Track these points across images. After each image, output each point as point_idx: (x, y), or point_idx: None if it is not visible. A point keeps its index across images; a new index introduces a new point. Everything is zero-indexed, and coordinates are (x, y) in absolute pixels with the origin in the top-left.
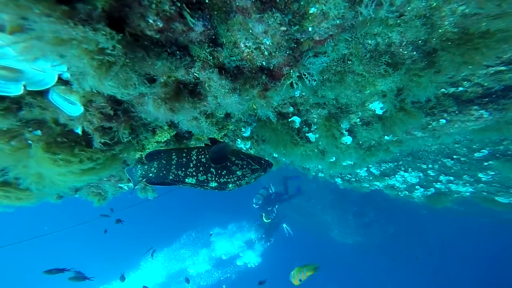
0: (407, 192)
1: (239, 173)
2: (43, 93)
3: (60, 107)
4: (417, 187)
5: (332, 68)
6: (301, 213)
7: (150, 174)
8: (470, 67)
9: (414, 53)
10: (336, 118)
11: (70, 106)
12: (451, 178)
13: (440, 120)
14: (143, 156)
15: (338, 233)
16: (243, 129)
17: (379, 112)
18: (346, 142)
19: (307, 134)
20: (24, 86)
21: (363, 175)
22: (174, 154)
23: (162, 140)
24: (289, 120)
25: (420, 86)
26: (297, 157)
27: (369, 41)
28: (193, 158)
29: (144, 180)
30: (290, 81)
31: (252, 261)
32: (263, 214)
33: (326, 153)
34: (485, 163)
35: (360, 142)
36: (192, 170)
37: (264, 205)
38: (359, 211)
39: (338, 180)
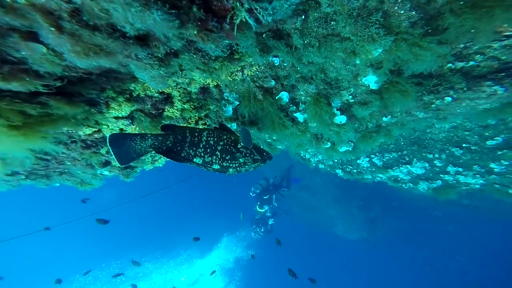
0: (411, 184)
1: (241, 160)
2: None
3: None
4: (422, 178)
5: (314, 30)
6: (305, 207)
7: (164, 147)
8: (484, 35)
9: (413, 13)
10: (326, 95)
11: None
12: (460, 169)
13: (446, 98)
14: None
15: (342, 228)
16: (224, 108)
17: (373, 86)
18: (341, 122)
19: (294, 114)
20: None
21: (365, 166)
22: (188, 132)
23: (121, 115)
24: (277, 97)
25: (419, 57)
26: (285, 139)
27: None
28: (203, 139)
29: (154, 151)
30: (239, 19)
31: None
32: (258, 203)
33: (320, 137)
34: (499, 152)
35: (356, 125)
36: (201, 151)
37: (261, 194)
38: (364, 205)
39: (339, 172)
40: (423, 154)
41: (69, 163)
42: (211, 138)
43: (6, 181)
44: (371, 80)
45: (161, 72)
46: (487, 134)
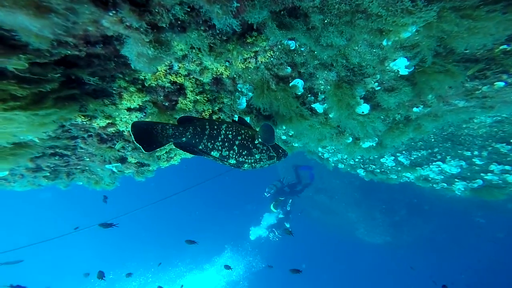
0: (445, 185)
1: (257, 156)
2: None
3: None
4: (458, 177)
5: (335, 7)
6: (324, 210)
7: (183, 138)
8: None
9: None
10: (348, 83)
11: None
12: (507, 167)
13: (496, 83)
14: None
15: (364, 231)
16: (237, 101)
17: (403, 72)
18: (363, 112)
19: (313, 105)
20: None
21: (389, 165)
22: (207, 124)
23: (133, 107)
24: (291, 84)
25: (475, 30)
26: (304, 133)
27: None
28: (221, 133)
29: (173, 142)
30: None
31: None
32: (273, 203)
33: (342, 131)
34: None
35: (382, 117)
36: (219, 144)
37: (276, 194)
38: (388, 209)
39: (361, 172)
40: (459, 151)
41: (88, 159)
42: (230, 132)
43: (31, 178)
44: (401, 65)
45: (151, 50)
46: None
